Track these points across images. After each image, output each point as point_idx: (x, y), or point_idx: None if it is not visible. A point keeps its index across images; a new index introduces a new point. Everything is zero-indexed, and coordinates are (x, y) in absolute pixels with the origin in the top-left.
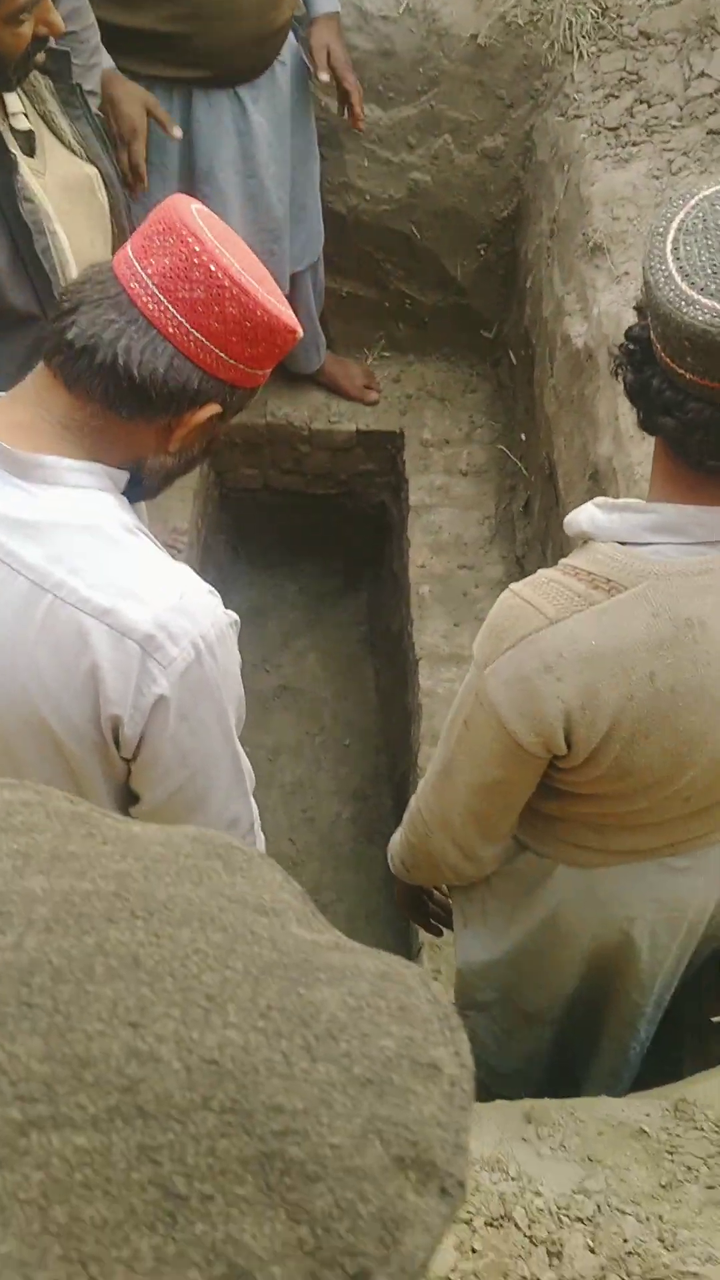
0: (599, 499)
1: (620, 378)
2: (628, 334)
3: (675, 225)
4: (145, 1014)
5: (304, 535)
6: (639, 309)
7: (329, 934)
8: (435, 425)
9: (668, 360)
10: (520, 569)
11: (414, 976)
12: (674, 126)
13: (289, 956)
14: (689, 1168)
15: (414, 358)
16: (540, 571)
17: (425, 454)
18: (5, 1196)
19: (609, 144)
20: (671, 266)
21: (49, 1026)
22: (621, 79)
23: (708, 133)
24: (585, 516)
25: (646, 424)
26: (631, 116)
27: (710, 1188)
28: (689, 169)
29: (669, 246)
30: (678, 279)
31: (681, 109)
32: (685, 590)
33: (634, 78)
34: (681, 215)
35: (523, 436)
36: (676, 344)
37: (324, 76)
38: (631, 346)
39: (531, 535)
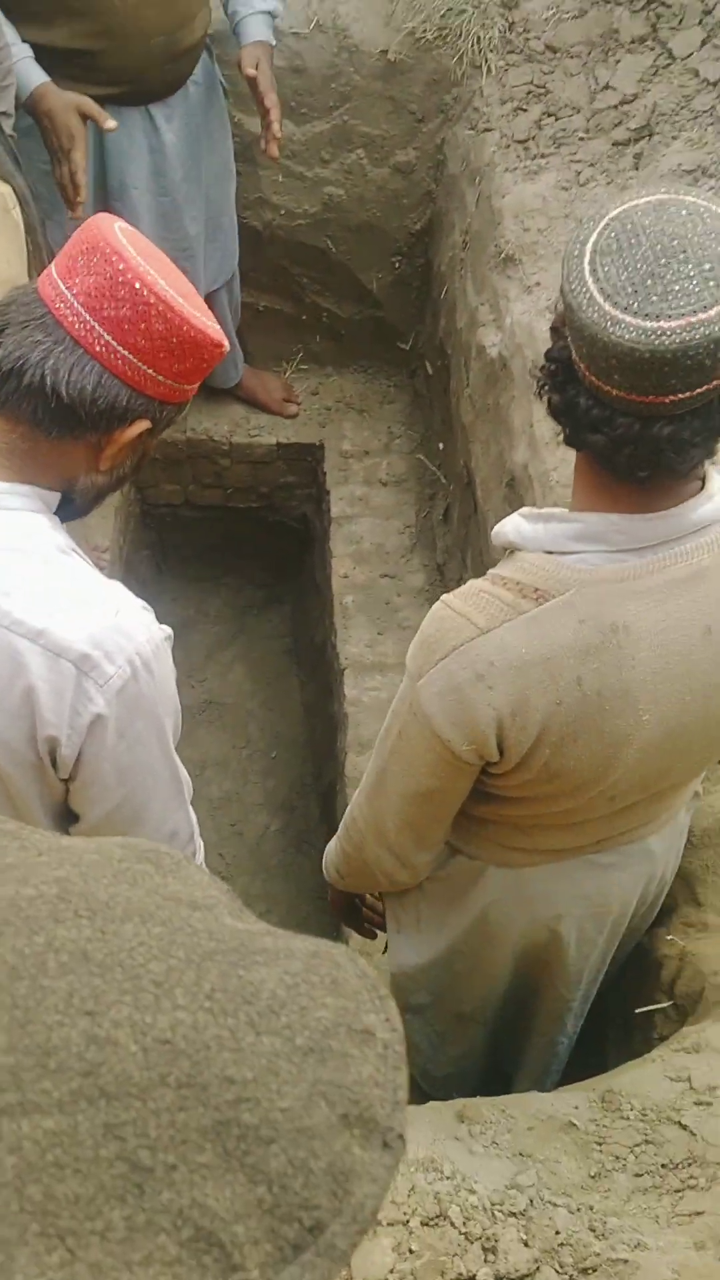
0: (524, 509)
1: (544, 398)
2: (548, 355)
3: (590, 247)
4: (99, 1002)
5: (226, 549)
6: (555, 330)
7: (258, 924)
8: (354, 436)
9: (593, 379)
10: (441, 577)
11: (341, 953)
12: (581, 139)
13: (225, 944)
14: (617, 1157)
15: (332, 370)
16: (470, 582)
17: (345, 465)
18: None
19: (518, 156)
20: (593, 288)
21: (10, 1020)
22: (529, 92)
23: (614, 144)
24: (511, 527)
25: (573, 440)
26: (540, 129)
27: (638, 1175)
28: (596, 180)
29: (587, 268)
30: (600, 300)
31: (588, 121)
32: (610, 597)
33: (541, 91)
34: (594, 237)
35: (440, 446)
36: (603, 363)
37: (250, 71)
38: (553, 367)
39: (451, 543)
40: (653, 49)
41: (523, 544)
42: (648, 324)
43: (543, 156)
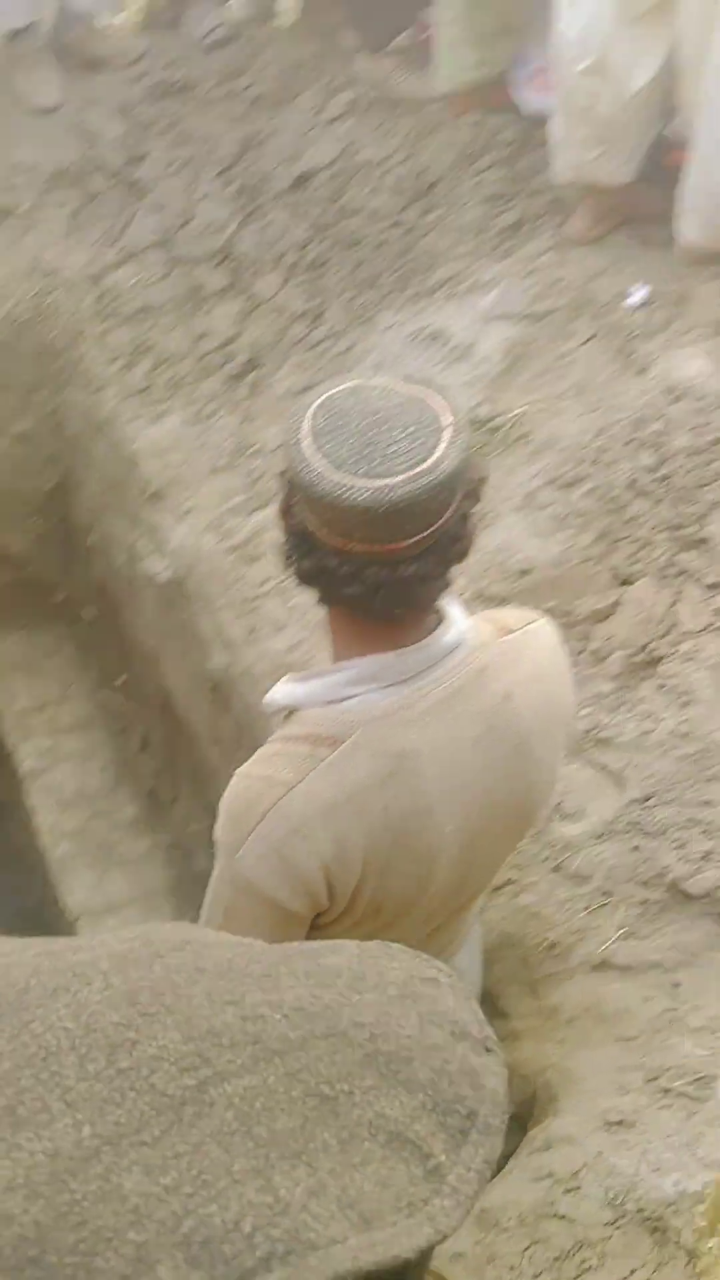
0: (288, 675)
1: (293, 568)
2: (287, 532)
3: (307, 432)
4: (234, 994)
5: None
6: (285, 511)
7: None
8: (28, 693)
9: (338, 541)
10: (154, 801)
11: (378, 943)
12: (194, 380)
13: (289, 951)
14: (511, 1267)
15: None
16: (260, 750)
17: (25, 722)
18: (219, 1134)
19: (140, 404)
20: (322, 464)
21: (175, 1021)
22: (136, 349)
23: (227, 379)
24: (283, 693)
25: (329, 598)
26: (154, 379)
27: (536, 1277)
28: (220, 413)
29: (312, 449)
30: (332, 472)
31: (196, 364)
32: (392, 728)
33: (147, 346)
34: (307, 424)
35: (121, 679)
36: (345, 524)
37: None
38: (294, 541)
39: (159, 765)
40: (239, 295)
41: (299, 703)
42: (378, 482)
43: (163, 401)
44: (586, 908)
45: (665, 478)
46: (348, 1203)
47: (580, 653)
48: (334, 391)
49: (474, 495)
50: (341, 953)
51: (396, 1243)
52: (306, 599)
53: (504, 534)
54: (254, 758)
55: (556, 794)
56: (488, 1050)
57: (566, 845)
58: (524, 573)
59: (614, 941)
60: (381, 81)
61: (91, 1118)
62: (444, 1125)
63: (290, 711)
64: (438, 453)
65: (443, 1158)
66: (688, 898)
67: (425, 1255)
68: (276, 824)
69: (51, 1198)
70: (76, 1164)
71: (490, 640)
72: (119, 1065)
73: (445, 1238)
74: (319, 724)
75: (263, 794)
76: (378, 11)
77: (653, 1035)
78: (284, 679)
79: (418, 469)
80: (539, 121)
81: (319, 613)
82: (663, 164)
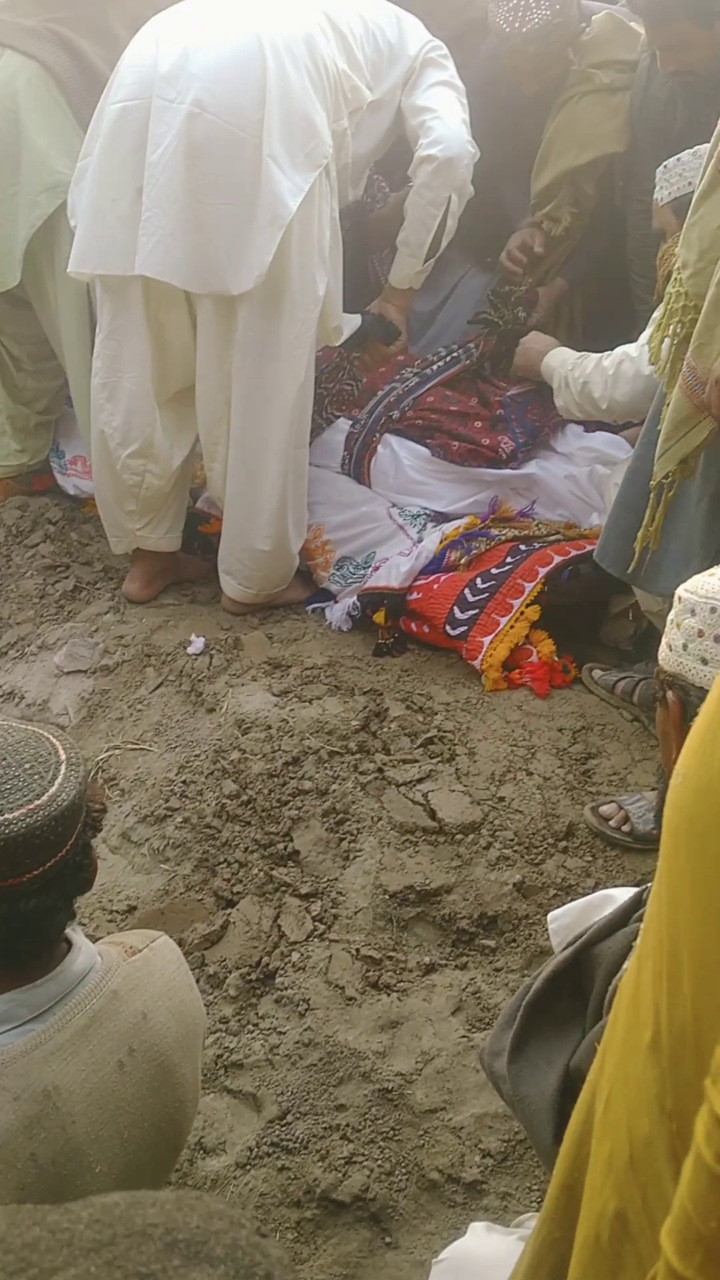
0: None
1: None
2: None
3: None
4: (35, 1217)
5: None
6: None
7: None
8: None
9: None
10: None
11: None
12: None
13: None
14: None
15: None
16: None
17: None
18: None
19: None
20: None
21: None
22: None
23: None
24: None
25: None
26: None
27: None
28: None
29: None
30: None
31: None
32: (33, 1065)
33: None
34: None
35: None
36: None
37: None
38: None
39: None
40: None
41: None
42: None
43: None
44: None
45: (249, 801)
46: None
47: (198, 980)
48: None
49: (95, 825)
50: (108, 1195)
51: None
52: None
53: (105, 875)
54: None
55: (195, 1130)
56: (262, 1235)
57: (214, 1182)
58: (130, 910)
59: None
60: None
61: None
62: None
63: None
64: (55, 786)
65: None
66: (340, 1206)
67: None
68: None
69: None
70: None
71: (118, 962)
72: None
73: None
74: None
75: None
76: None
77: None
78: None
79: (36, 802)
80: (80, 502)
81: None
82: (199, 531)
